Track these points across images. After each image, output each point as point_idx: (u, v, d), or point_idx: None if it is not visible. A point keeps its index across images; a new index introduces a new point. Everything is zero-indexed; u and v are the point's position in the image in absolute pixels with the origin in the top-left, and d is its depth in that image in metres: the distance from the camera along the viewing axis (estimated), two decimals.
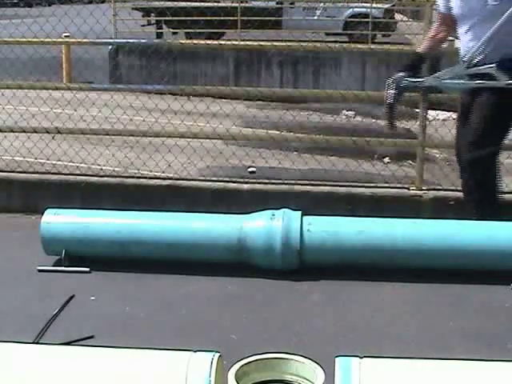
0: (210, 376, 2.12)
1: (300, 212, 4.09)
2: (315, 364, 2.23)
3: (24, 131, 5.52)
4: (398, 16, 17.51)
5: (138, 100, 6.19)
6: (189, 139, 5.54)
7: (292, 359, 2.28)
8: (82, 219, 4.24)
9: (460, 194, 4.83)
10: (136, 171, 5.39)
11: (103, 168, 5.57)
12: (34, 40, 5.67)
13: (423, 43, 4.35)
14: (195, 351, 2.23)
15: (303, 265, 4.03)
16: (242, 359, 2.25)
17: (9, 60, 6.79)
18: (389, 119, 4.15)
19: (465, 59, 4.05)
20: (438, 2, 4.36)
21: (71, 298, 3.76)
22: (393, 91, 4.05)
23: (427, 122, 5.03)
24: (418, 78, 4.16)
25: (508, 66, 3.94)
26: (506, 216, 4.21)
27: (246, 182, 5.10)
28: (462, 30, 4.15)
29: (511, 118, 4.15)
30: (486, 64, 3.97)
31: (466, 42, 4.13)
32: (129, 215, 4.27)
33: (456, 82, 4.11)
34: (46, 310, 3.58)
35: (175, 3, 12.98)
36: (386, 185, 4.99)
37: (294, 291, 3.91)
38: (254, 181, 5.18)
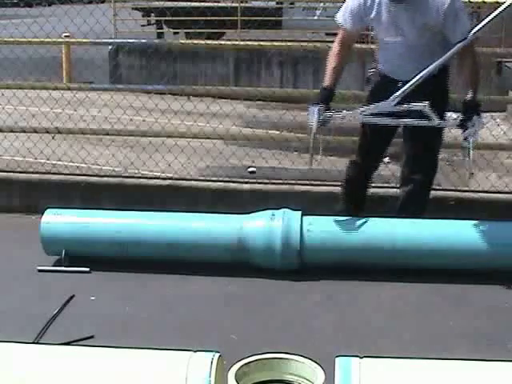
0: (209, 376, 2.11)
1: (300, 212, 4.09)
2: (315, 364, 2.23)
3: (24, 131, 5.52)
4: None
5: (138, 100, 6.19)
6: (189, 139, 5.54)
7: (292, 359, 2.27)
8: (82, 219, 4.24)
9: (459, 194, 4.84)
10: (136, 171, 5.39)
11: (103, 168, 5.57)
12: (34, 40, 5.67)
13: (327, 76, 4.03)
14: (195, 351, 2.23)
15: (303, 265, 4.02)
16: (242, 359, 2.25)
17: (9, 60, 6.79)
18: (311, 146, 3.96)
19: (397, 95, 3.89)
20: (343, 17, 4.00)
21: (71, 297, 3.76)
22: (315, 121, 3.89)
23: None
24: (333, 111, 3.98)
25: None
26: (506, 216, 4.22)
27: (246, 182, 5.10)
28: (387, 49, 4.04)
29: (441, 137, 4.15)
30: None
31: (389, 60, 4.05)
32: (129, 215, 4.27)
33: (380, 118, 3.98)
34: (45, 310, 3.59)
35: (175, 3, 12.97)
36: (386, 185, 4.98)
37: (294, 291, 3.91)
38: (254, 181, 5.18)
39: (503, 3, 4.25)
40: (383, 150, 4.32)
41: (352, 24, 3.99)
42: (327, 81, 4.03)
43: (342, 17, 4.02)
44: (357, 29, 4.04)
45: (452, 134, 5.67)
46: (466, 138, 3.81)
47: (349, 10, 3.97)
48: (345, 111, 4.00)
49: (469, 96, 3.83)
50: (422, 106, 3.85)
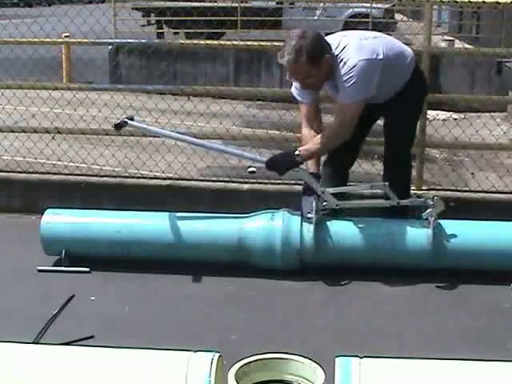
0: (209, 376, 2.12)
1: (300, 212, 4.08)
2: (315, 364, 2.23)
3: (24, 131, 5.51)
4: (398, 16, 17.51)
5: (137, 100, 6.19)
6: None
7: (292, 359, 2.28)
8: (82, 219, 4.24)
9: (460, 194, 4.84)
10: (136, 171, 5.39)
11: (103, 168, 5.57)
12: (34, 40, 5.66)
13: (310, 164, 4.09)
14: (195, 351, 2.23)
15: (303, 265, 4.02)
16: (242, 359, 2.25)
17: (9, 60, 6.79)
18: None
19: None
20: (297, 94, 4.11)
21: (71, 297, 3.76)
22: (313, 212, 3.94)
23: (427, 122, 5.03)
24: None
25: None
26: (506, 216, 4.22)
27: (246, 182, 5.10)
28: None
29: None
30: None
31: None
32: (129, 215, 4.27)
33: (358, 202, 4.18)
34: (46, 310, 3.59)
35: (175, 3, 12.97)
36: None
37: (294, 291, 3.91)
38: (254, 181, 5.18)
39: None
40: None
41: (309, 98, 4.10)
42: (312, 167, 4.11)
43: (297, 94, 4.15)
44: (314, 102, 4.11)
45: (452, 134, 5.68)
46: (426, 219, 3.96)
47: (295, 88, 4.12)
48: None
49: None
50: (382, 185, 4.04)
